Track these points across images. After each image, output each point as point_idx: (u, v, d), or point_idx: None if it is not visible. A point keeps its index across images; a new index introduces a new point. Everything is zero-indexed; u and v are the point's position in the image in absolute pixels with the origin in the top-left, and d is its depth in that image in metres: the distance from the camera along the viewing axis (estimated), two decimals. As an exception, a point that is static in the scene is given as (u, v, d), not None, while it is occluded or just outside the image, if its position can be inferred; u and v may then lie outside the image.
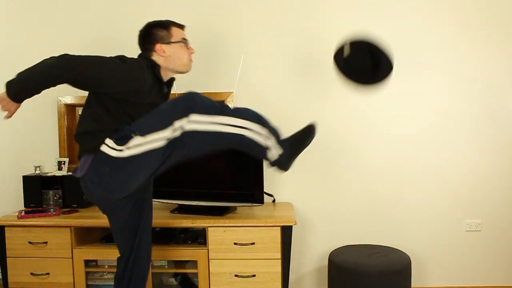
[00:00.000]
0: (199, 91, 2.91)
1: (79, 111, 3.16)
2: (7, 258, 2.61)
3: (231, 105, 2.74)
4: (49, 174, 2.91)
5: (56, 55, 1.72)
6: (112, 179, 1.76)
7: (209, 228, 2.49)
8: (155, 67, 1.86)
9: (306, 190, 2.99)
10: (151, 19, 2.00)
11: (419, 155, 2.94)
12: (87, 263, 2.62)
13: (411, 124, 2.93)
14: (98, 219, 2.61)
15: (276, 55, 2.96)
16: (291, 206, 2.83)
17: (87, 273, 2.61)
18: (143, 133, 1.69)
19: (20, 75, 1.67)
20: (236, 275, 2.49)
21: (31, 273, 2.59)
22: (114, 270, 2.63)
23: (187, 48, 1.95)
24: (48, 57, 1.73)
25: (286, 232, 2.48)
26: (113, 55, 1.83)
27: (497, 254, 2.95)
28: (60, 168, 2.97)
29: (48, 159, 3.08)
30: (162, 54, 1.87)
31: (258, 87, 2.97)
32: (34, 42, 3.05)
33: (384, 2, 2.90)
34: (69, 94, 3.05)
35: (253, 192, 2.61)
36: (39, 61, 1.74)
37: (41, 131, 3.08)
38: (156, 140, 1.70)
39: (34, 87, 1.67)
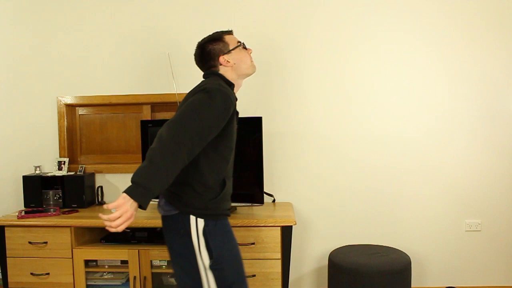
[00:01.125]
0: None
1: (79, 111, 3.16)
2: (7, 258, 2.61)
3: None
4: (49, 174, 2.91)
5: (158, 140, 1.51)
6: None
7: (209, 228, 2.48)
8: (231, 86, 1.82)
9: (306, 190, 2.99)
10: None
11: (419, 155, 2.94)
12: (87, 263, 2.62)
13: (411, 124, 2.93)
14: (98, 219, 2.61)
15: (277, 54, 2.96)
16: (291, 206, 2.83)
17: (87, 273, 2.61)
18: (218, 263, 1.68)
19: (143, 181, 1.42)
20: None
21: (31, 273, 2.59)
22: (114, 270, 2.65)
23: (246, 49, 1.90)
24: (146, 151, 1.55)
25: (286, 232, 2.48)
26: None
27: (497, 254, 2.95)
28: (60, 168, 2.97)
29: (48, 159, 3.08)
30: (228, 65, 1.83)
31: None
32: (39, 44, 3.06)
33: (384, 3, 2.90)
34: (69, 94, 3.06)
35: (253, 192, 2.61)
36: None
37: (41, 131, 3.09)
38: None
39: (161, 189, 1.47)
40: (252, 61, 1.90)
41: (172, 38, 2.99)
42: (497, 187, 2.93)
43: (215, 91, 1.64)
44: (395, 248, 2.79)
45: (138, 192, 1.42)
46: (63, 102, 3.05)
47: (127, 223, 1.41)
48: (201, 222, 1.68)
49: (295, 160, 2.98)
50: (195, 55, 1.92)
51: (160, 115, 3.12)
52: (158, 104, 3.07)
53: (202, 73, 1.94)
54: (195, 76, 2.98)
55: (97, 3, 3.02)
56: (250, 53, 1.91)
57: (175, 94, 2.94)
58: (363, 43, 2.92)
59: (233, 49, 1.84)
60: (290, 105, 2.96)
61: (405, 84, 2.92)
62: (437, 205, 2.95)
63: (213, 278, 1.68)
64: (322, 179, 2.98)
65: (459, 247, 2.96)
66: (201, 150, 1.60)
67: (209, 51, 1.85)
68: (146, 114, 3.09)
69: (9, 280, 2.61)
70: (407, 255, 2.68)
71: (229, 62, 1.82)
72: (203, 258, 1.68)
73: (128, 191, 1.41)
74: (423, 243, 2.97)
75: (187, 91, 2.93)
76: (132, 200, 1.41)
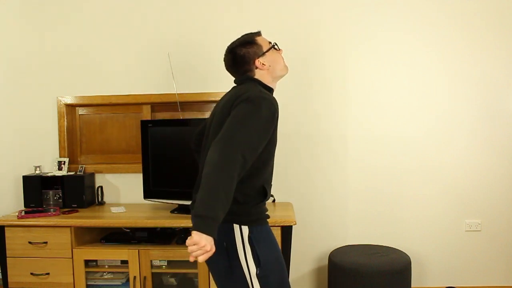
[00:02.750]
0: (198, 91, 2.96)
1: (79, 111, 3.16)
2: (7, 258, 2.61)
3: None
4: (49, 174, 2.91)
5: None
6: None
7: (209, 228, 2.48)
8: (270, 90, 1.75)
9: (306, 190, 2.99)
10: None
11: (419, 155, 2.94)
12: (87, 263, 2.62)
13: (411, 124, 2.93)
14: (98, 219, 2.62)
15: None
16: (291, 206, 2.83)
17: (87, 273, 2.61)
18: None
19: (208, 213, 1.40)
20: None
21: (31, 273, 2.59)
22: (114, 270, 2.65)
23: (278, 50, 1.81)
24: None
25: (286, 232, 2.48)
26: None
27: (497, 254, 2.95)
28: (60, 168, 2.97)
29: (48, 159, 3.08)
30: (264, 68, 1.74)
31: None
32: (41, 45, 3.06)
33: (384, 2, 2.90)
34: (69, 94, 3.06)
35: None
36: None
37: (41, 131, 3.09)
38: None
39: (224, 213, 1.44)
40: (284, 61, 1.82)
41: (172, 38, 2.99)
42: (497, 187, 2.93)
43: (260, 100, 1.56)
44: (395, 248, 2.79)
45: (207, 224, 1.40)
46: (63, 102, 3.05)
47: (209, 253, 1.40)
48: (245, 229, 1.61)
49: (295, 160, 2.98)
50: (225, 60, 1.80)
51: (160, 115, 3.12)
52: (158, 104, 3.07)
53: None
54: (195, 76, 2.99)
55: (97, 4, 3.01)
56: (281, 53, 1.83)
57: (175, 94, 2.94)
58: (363, 43, 2.91)
59: (267, 51, 1.76)
60: (290, 105, 2.96)
61: (405, 84, 2.92)
62: (437, 205, 2.95)
63: (258, 286, 1.61)
64: (322, 179, 2.98)
65: (459, 247, 2.96)
66: None
67: (243, 55, 1.74)
68: (146, 114, 3.09)
69: (9, 280, 2.61)
70: (407, 255, 2.68)
71: (264, 65, 1.74)
72: (250, 267, 1.60)
73: (197, 228, 1.39)
74: (423, 243, 2.97)
75: (187, 91, 2.97)
76: (205, 235, 1.38)
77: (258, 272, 1.60)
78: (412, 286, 2.68)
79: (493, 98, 2.90)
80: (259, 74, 1.75)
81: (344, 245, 2.94)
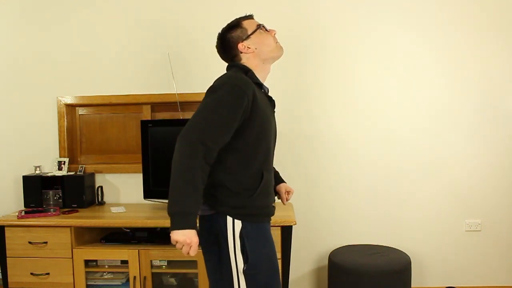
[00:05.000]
0: (198, 91, 2.96)
1: (79, 111, 3.16)
2: (7, 258, 2.61)
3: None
4: (49, 174, 2.91)
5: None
6: None
7: (209, 228, 2.48)
8: (247, 73, 1.67)
9: (306, 190, 2.99)
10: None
11: (419, 155, 2.94)
12: (87, 263, 2.62)
13: (412, 124, 2.93)
14: (98, 219, 2.62)
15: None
16: (291, 206, 2.83)
17: (87, 273, 2.61)
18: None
19: (175, 210, 1.46)
20: None
21: (31, 273, 2.59)
22: (114, 270, 2.65)
23: (268, 31, 1.74)
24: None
25: (286, 232, 2.48)
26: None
27: (497, 254, 2.95)
28: (60, 168, 2.97)
29: (48, 159, 3.08)
30: (248, 51, 1.70)
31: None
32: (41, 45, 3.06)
33: (382, 1, 2.90)
34: (69, 94, 3.06)
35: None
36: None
37: (41, 131, 3.09)
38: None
39: (196, 202, 1.47)
40: (277, 42, 1.74)
41: (172, 38, 2.99)
42: (497, 187, 2.93)
43: (220, 86, 1.55)
44: (395, 248, 2.79)
45: (178, 221, 1.45)
46: (63, 102, 3.05)
47: (193, 247, 1.46)
48: (238, 224, 1.58)
49: (294, 160, 2.98)
50: (216, 47, 1.79)
51: (160, 115, 3.12)
52: (158, 104, 3.07)
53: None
54: (195, 76, 2.99)
55: (97, 4, 3.02)
56: (274, 34, 1.75)
57: (175, 94, 2.94)
58: (363, 43, 2.91)
59: (252, 34, 1.70)
60: (290, 105, 2.96)
61: (404, 84, 2.92)
62: (437, 205, 2.95)
63: (244, 283, 1.59)
64: (322, 179, 2.98)
65: (459, 247, 2.96)
66: (226, 147, 1.55)
67: (228, 40, 1.72)
68: (146, 114, 3.09)
69: (9, 280, 2.61)
70: (407, 255, 2.68)
71: (249, 48, 1.69)
72: (237, 262, 1.59)
73: (171, 227, 1.45)
74: (423, 243, 2.97)
75: (187, 91, 2.97)
76: (181, 231, 1.44)
77: (245, 268, 1.58)
78: (412, 286, 2.68)
79: (494, 97, 2.90)
80: (245, 58, 1.71)
81: (344, 245, 2.94)
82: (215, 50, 1.80)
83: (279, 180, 1.96)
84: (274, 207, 1.75)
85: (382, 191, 2.96)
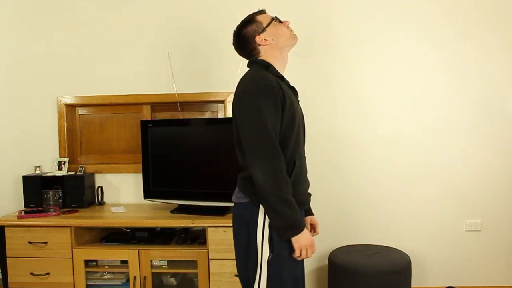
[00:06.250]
0: (198, 91, 2.96)
1: (79, 111, 3.16)
2: (7, 258, 2.61)
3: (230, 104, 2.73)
4: (49, 174, 2.91)
5: None
6: None
7: (209, 228, 2.49)
8: (268, 68, 1.73)
9: (306, 190, 2.98)
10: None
11: (419, 155, 2.94)
12: (87, 263, 2.62)
13: (412, 124, 2.93)
14: (98, 219, 2.62)
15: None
16: (291, 206, 2.83)
17: (87, 273, 2.61)
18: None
19: (282, 223, 1.57)
20: (236, 275, 2.48)
21: (31, 273, 2.59)
22: (114, 270, 2.65)
23: (281, 22, 1.81)
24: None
25: (286, 232, 2.48)
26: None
27: (497, 254, 2.95)
28: (60, 168, 2.97)
29: (48, 159, 3.08)
30: (265, 43, 1.75)
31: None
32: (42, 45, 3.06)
33: (384, 3, 2.90)
34: (69, 94, 3.06)
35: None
36: None
37: (41, 131, 3.09)
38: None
39: (291, 204, 1.56)
40: (291, 31, 1.81)
41: (172, 38, 2.99)
42: (497, 187, 2.93)
43: (248, 88, 1.62)
44: (395, 248, 2.79)
45: (290, 231, 1.57)
46: (63, 102, 3.05)
47: (309, 250, 1.61)
48: None
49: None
50: (233, 44, 1.83)
51: (160, 115, 3.12)
52: (158, 104, 3.07)
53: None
54: (195, 76, 2.99)
55: (97, 3, 3.02)
56: (288, 24, 1.82)
57: (175, 94, 2.94)
58: (363, 44, 2.91)
59: (267, 26, 1.77)
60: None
61: (404, 84, 2.92)
62: (437, 205, 2.95)
63: (266, 273, 1.63)
64: (322, 179, 2.98)
65: (459, 247, 2.96)
66: None
67: (244, 35, 1.78)
68: (146, 114, 3.09)
69: (9, 280, 2.61)
70: (407, 255, 2.68)
71: (266, 40, 1.75)
72: (263, 250, 1.62)
73: (286, 236, 1.58)
74: (423, 243, 2.97)
75: (187, 91, 2.97)
76: (295, 237, 1.57)
77: (270, 258, 1.62)
78: (412, 286, 2.67)
79: (494, 98, 2.90)
80: (263, 51, 1.76)
81: (344, 245, 2.94)
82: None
83: (308, 212, 1.98)
84: (309, 194, 1.81)
85: (382, 191, 2.96)
